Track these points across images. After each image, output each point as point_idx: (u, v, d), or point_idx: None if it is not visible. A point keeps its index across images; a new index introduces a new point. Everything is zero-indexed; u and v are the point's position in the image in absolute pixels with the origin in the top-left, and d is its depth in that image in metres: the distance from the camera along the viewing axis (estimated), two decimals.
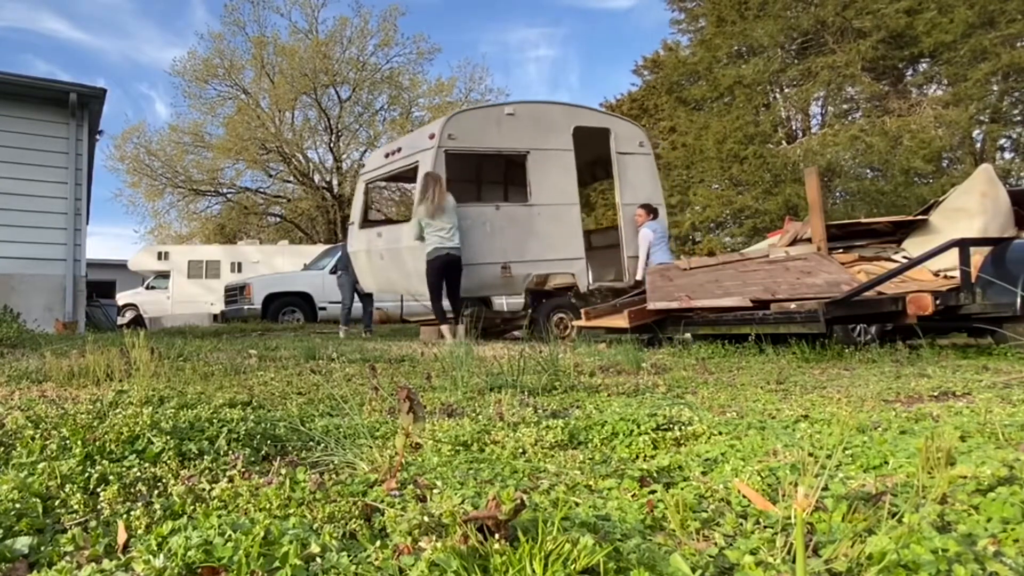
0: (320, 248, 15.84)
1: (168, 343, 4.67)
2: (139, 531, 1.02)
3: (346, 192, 23.12)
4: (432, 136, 7.20)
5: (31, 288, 7.85)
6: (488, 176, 9.85)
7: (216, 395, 2.26)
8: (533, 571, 0.77)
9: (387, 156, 8.06)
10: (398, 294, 8.19)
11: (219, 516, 1.03)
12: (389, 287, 7.98)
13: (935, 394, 2.45)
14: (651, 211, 7.79)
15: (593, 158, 8.69)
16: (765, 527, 1.01)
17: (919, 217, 5.73)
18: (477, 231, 7.23)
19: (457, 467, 1.42)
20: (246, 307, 12.05)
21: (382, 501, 1.10)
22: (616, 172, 8.32)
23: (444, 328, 6.71)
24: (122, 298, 18.61)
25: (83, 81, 8.66)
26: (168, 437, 1.44)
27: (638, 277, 7.49)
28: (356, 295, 9.18)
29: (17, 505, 1.07)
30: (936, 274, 4.88)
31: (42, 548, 0.96)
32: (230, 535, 0.89)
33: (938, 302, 4.05)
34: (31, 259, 7.96)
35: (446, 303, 6.86)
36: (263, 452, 1.53)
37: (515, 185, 8.96)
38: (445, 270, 6.63)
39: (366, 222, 8.27)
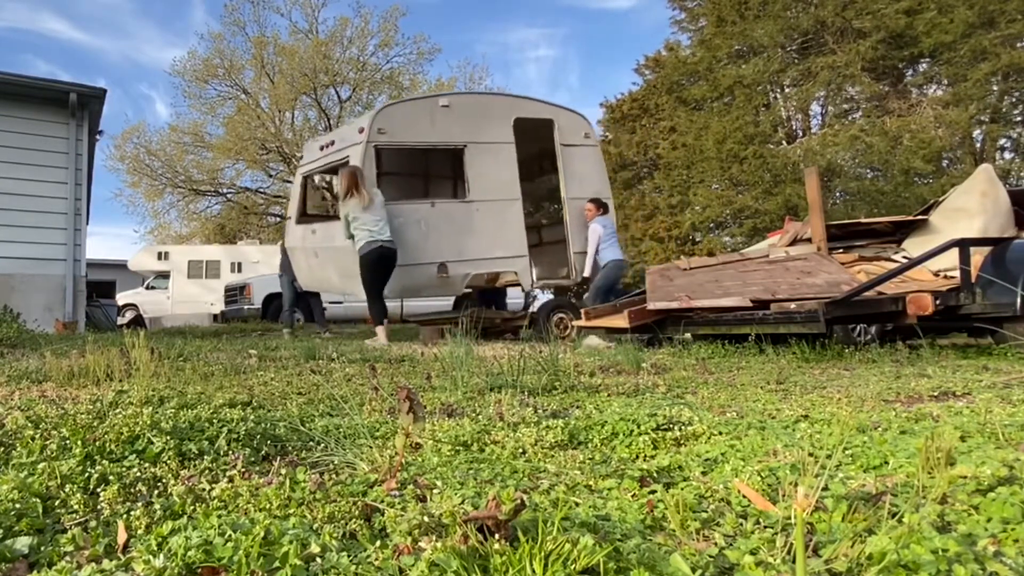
0: None
1: (168, 343, 4.67)
2: (139, 531, 1.02)
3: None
4: (361, 130, 6.93)
5: (31, 288, 7.85)
6: (424, 171, 9.45)
7: (216, 395, 2.26)
8: (533, 571, 0.77)
9: (322, 149, 7.78)
10: (334, 293, 7.91)
11: (219, 516, 1.03)
12: (326, 286, 7.70)
13: (935, 394, 2.45)
14: (600, 206, 7.50)
15: (539, 151, 8.36)
16: (765, 527, 1.01)
17: (919, 217, 5.73)
18: (411, 230, 6.92)
19: (457, 467, 1.42)
20: (246, 307, 12.07)
21: (382, 501, 1.10)
22: (561, 165, 7.98)
23: (380, 329, 6.36)
24: (122, 298, 18.62)
25: (83, 81, 8.68)
26: (168, 437, 1.44)
27: (586, 273, 7.33)
28: (297, 294, 8.77)
29: (17, 505, 1.07)
30: (936, 274, 4.88)
31: (42, 548, 0.96)
32: (230, 535, 0.89)
33: (938, 302, 4.06)
34: (31, 259, 7.96)
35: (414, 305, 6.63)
36: (263, 452, 1.53)
37: (453, 181, 8.64)
38: (381, 264, 6.31)
39: (303, 217, 7.89)
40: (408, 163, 9.13)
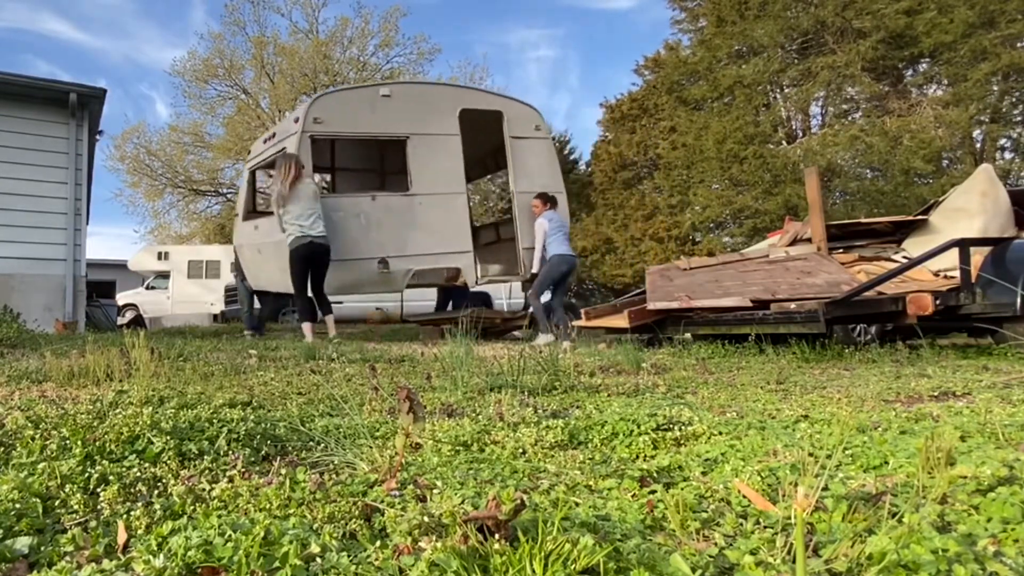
0: None
1: (168, 343, 4.67)
2: (139, 531, 1.02)
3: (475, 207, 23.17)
4: (297, 120, 6.68)
5: (31, 288, 7.85)
6: (365, 163, 9.23)
7: (216, 395, 2.26)
8: (533, 571, 0.77)
9: (265, 142, 7.60)
10: (280, 290, 7.57)
11: (219, 516, 1.03)
12: (271, 284, 7.33)
13: (935, 394, 2.45)
14: (548, 200, 7.13)
15: (489, 144, 8.11)
16: (765, 527, 1.01)
17: (919, 217, 5.73)
18: (350, 224, 6.70)
19: (457, 467, 1.42)
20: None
21: (382, 501, 1.10)
22: (510, 157, 7.70)
23: (306, 327, 6.19)
24: (122, 298, 18.62)
25: (84, 81, 8.67)
26: (168, 437, 1.44)
27: (534, 270, 7.02)
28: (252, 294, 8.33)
29: (17, 505, 1.07)
30: (936, 274, 4.88)
31: (42, 548, 0.96)
32: (230, 535, 0.89)
33: (938, 302, 4.06)
34: (31, 259, 7.96)
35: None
36: (263, 452, 1.53)
37: (395, 173, 8.33)
38: (310, 260, 6.08)
39: (249, 214, 7.66)
40: (349, 155, 8.94)
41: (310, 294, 6.28)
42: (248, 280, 7.74)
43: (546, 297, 6.82)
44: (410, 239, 7.02)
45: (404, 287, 7.18)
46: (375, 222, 6.88)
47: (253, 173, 7.88)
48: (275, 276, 6.85)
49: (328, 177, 9.72)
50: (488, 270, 8.99)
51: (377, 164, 9.26)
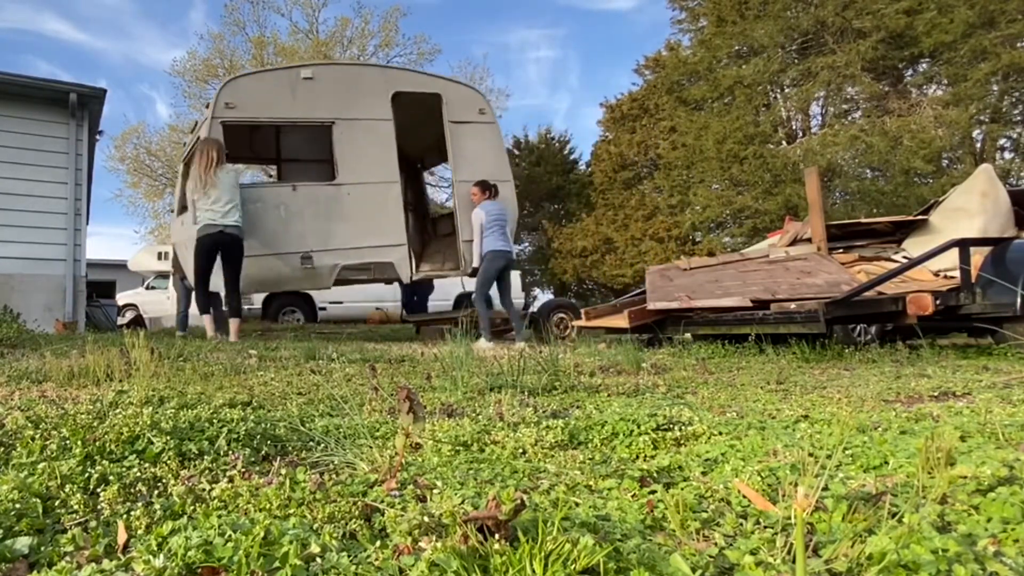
0: None
1: (168, 343, 4.67)
2: (139, 531, 1.02)
3: (434, 198, 23.09)
4: (208, 105, 6.32)
5: (31, 288, 7.85)
6: (288, 152, 8.74)
7: (216, 395, 2.26)
8: (533, 571, 0.77)
9: (191, 132, 7.30)
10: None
11: (219, 516, 1.03)
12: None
13: (935, 394, 2.45)
14: (487, 189, 6.68)
15: (437, 130, 7.51)
16: (765, 527, 1.01)
17: (919, 217, 5.73)
18: (270, 216, 6.31)
19: (457, 467, 1.42)
20: (246, 307, 12.06)
21: (382, 501, 1.10)
22: (450, 144, 7.21)
23: (206, 319, 5.88)
24: (122, 298, 18.60)
25: (84, 82, 8.64)
26: (168, 437, 1.44)
27: (475, 264, 6.68)
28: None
29: (17, 505, 1.07)
30: (936, 274, 4.88)
31: (42, 548, 0.96)
32: (230, 535, 0.89)
33: (938, 302, 4.06)
34: (31, 259, 7.96)
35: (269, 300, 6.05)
36: (263, 452, 1.53)
37: (320, 162, 7.84)
38: (216, 251, 5.76)
39: (183, 208, 7.16)
40: (268, 142, 8.54)
41: (218, 288, 5.95)
42: (187, 278, 7.29)
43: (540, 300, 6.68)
44: (337, 232, 6.58)
45: (331, 284, 6.84)
46: (297, 214, 6.47)
47: (186, 165, 7.29)
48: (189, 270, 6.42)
49: (275, 168, 9.25)
50: (424, 265, 8.64)
51: (306, 150, 8.77)
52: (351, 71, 7.51)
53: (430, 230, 9.27)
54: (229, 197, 5.69)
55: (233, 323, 5.89)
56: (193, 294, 6.55)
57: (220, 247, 5.73)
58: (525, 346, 5.47)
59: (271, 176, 9.05)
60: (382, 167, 6.85)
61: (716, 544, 0.95)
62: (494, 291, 6.55)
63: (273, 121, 6.84)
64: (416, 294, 8.64)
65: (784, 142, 20.14)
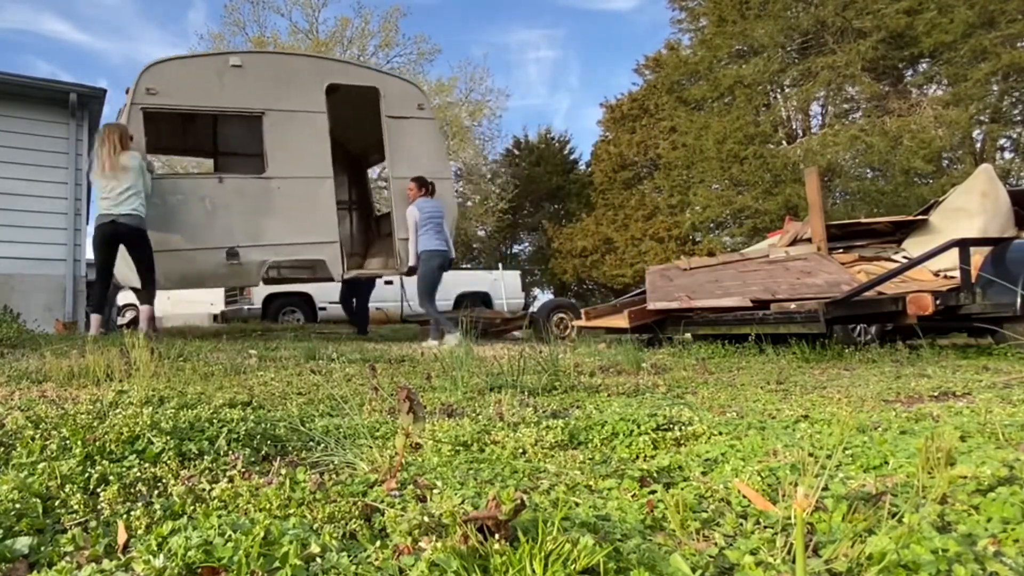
0: None
1: (168, 343, 4.67)
2: (139, 531, 1.02)
3: (380, 195, 23.10)
4: (128, 91, 5.99)
5: (31, 288, 7.84)
6: (225, 145, 8.40)
7: (216, 395, 2.26)
8: (533, 571, 0.77)
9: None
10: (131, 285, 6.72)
11: (219, 516, 1.03)
12: (124, 278, 6.58)
13: (935, 394, 2.45)
14: (424, 186, 6.56)
15: (375, 127, 7.28)
16: (765, 527, 1.01)
17: (919, 217, 5.73)
18: (193, 209, 6.05)
19: (457, 467, 1.42)
20: (246, 307, 12.06)
21: (382, 501, 1.10)
22: (387, 140, 7.01)
23: (94, 318, 5.55)
24: (122, 298, 18.60)
25: (85, 82, 8.62)
26: (168, 437, 1.44)
27: (411, 262, 6.56)
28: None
29: (17, 505, 1.07)
30: (936, 274, 4.88)
31: (42, 548, 0.96)
32: (230, 535, 0.89)
33: (938, 302, 4.06)
34: (31, 259, 7.95)
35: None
36: (263, 452, 1.53)
37: (250, 155, 7.45)
38: (114, 243, 5.45)
39: None
40: (205, 134, 8.27)
41: (131, 283, 5.74)
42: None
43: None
44: (265, 227, 6.34)
45: (259, 281, 6.67)
46: (223, 207, 6.19)
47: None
48: (122, 268, 6.14)
49: (212, 161, 8.96)
50: (370, 264, 8.48)
51: (235, 142, 8.43)
52: (283, 60, 7.24)
53: (374, 229, 9.05)
54: (128, 185, 5.35)
55: (144, 311, 5.66)
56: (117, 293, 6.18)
57: (116, 238, 5.43)
58: (434, 344, 5.47)
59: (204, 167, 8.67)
60: (314, 161, 6.63)
61: (716, 544, 0.95)
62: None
63: (198, 110, 6.56)
64: (354, 293, 8.40)
65: (784, 142, 20.15)
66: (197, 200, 6.13)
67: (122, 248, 5.77)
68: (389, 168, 7.13)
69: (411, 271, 6.71)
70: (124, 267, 6.22)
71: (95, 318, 5.56)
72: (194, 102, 6.33)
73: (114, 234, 5.39)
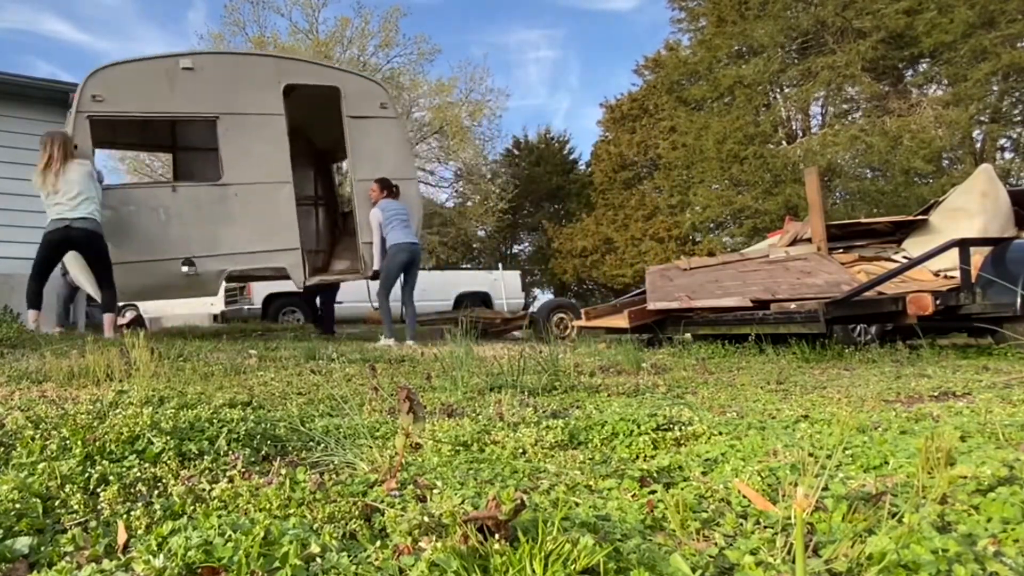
0: None
1: (168, 343, 4.67)
2: (139, 531, 1.02)
3: (346, 191, 23.08)
4: (72, 97, 5.78)
5: None
6: (184, 141, 8.10)
7: (216, 395, 2.26)
8: (533, 571, 0.77)
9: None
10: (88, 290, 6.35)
11: (219, 516, 1.03)
12: (81, 286, 6.39)
13: (935, 394, 2.45)
14: (387, 187, 6.38)
15: (337, 122, 7.01)
16: (765, 527, 1.01)
17: (919, 217, 5.73)
18: (147, 219, 5.87)
19: (457, 467, 1.42)
20: (246, 307, 12.06)
21: (382, 501, 1.10)
22: (348, 141, 6.78)
23: (30, 314, 5.40)
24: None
25: None
26: (168, 437, 1.44)
27: (375, 266, 6.41)
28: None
29: (17, 505, 1.07)
30: (936, 274, 4.88)
31: (42, 548, 0.96)
32: (230, 535, 0.89)
33: (938, 302, 4.06)
34: (31, 259, 7.95)
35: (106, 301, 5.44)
36: (263, 452, 1.53)
37: (210, 149, 7.10)
38: (63, 249, 5.33)
39: None
40: (148, 137, 8.04)
41: (95, 285, 5.57)
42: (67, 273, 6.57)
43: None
44: (222, 236, 6.14)
45: (217, 291, 6.53)
46: (178, 216, 5.99)
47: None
48: (78, 275, 5.97)
49: (170, 166, 8.67)
50: (336, 263, 8.29)
51: (190, 147, 8.29)
52: (237, 61, 6.97)
53: (341, 225, 8.84)
54: (79, 190, 5.18)
55: (106, 318, 5.51)
56: (75, 292, 6.07)
57: (69, 244, 5.28)
58: (412, 344, 5.42)
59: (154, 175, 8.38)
60: (273, 166, 6.40)
61: (716, 544, 0.95)
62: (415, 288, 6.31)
63: (148, 116, 6.37)
64: (321, 300, 8.25)
65: (784, 142, 20.15)
66: (150, 210, 5.95)
67: (77, 255, 5.62)
68: (351, 170, 6.93)
69: (375, 275, 6.59)
70: (80, 274, 6.07)
71: (32, 314, 5.38)
72: (143, 108, 6.14)
73: (66, 239, 5.24)
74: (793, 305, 4.42)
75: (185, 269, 5.94)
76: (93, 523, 1.07)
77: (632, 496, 1.19)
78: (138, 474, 1.27)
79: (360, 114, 6.85)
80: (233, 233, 6.19)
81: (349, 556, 0.88)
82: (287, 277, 6.58)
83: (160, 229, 5.93)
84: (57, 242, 5.26)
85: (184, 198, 6.14)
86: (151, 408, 1.68)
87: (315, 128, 7.96)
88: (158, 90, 6.00)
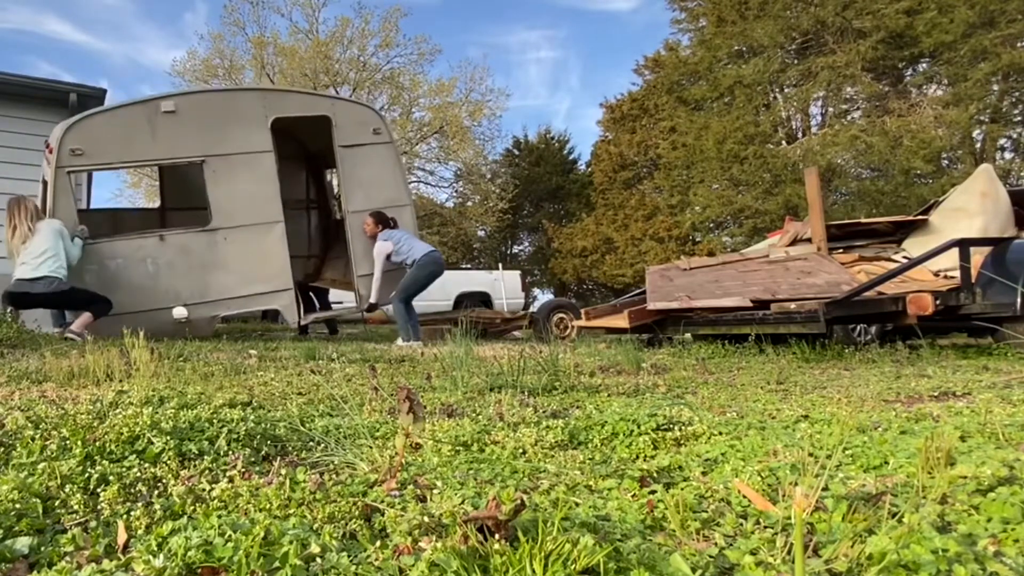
0: None
1: (168, 343, 4.67)
2: (139, 531, 1.02)
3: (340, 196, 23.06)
4: (51, 150, 5.54)
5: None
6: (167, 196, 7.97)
7: (216, 395, 2.26)
8: (533, 571, 0.77)
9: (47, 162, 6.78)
10: None
11: (219, 516, 1.03)
12: None
13: (935, 394, 2.45)
14: (382, 221, 6.39)
15: (327, 132, 6.84)
16: (765, 527, 1.01)
17: (919, 217, 5.73)
18: (135, 271, 5.77)
19: (457, 467, 1.42)
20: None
21: (382, 501, 1.10)
22: (340, 170, 6.67)
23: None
24: None
25: (87, 83, 8.59)
26: (168, 437, 1.44)
27: (372, 299, 6.43)
28: None
29: (17, 505, 1.07)
30: (936, 274, 4.88)
31: (42, 548, 0.96)
32: (230, 535, 0.89)
33: (938, 302, 4.06)
34: None
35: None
36: (263, 452, 1.53)
37: (192, 207, 7.04)
38: (24, 303, 5.32)
39: None
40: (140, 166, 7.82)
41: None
42: None
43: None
44: (213, 282, 6.04)
45: (211, 332, 6.39)
46: (166, 266, 5.89)
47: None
48: None
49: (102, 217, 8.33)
50: (327, 269, 8.22)
51: (178, 192, 8.09)
52: (221, 98, 6.79)
53: (334, 231, 8.67)
54: (44, 248, 5.14)
55: (83, 316, 5.40)
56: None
57: (33, 301, 5.29)
58: (418, 345, 5.44)
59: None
60: (263, 206, 6.24)
61: (716, 544, 0.95)
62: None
63: (130, 165, 6.31)
64: (320, 302, 8.18)
65: (784, 142, 20.15)
66: (138, 262, 5.84)
67: None
68: (344, 200, 6.78)
69: (371, 308, 6.54)
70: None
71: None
72: (125, 157, 6.03)
73: (26, 296, 5.22)
74: (793, 305, 4.42)
75: (177, 316, 5.87)
76: (93, 523, 1.07)
77: (632, 496, 1.19)
78: (138, 474, 1.27)
79: (352, 142, 6.72)
80: (224, 278, 6.09)
81: (349, 556, 0.88)
82: (281, 318, 6.46)
83: (149, 280, 5.85)
84: (18, 296, 5.24)
85: (173, 247, 6.00)
86: (151, 408, 1.67)
87: (306, 131, 7.82)
88: (138, 137, 5.85)
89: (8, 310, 5.36)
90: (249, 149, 6.24)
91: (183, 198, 7.57)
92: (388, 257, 6.26)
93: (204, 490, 1.16)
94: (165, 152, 6.05)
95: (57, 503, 1.14)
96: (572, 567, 0.78)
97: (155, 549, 0.87)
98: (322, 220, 9.13)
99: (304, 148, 8.64)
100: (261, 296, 6.27)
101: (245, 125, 6.25)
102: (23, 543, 0.95)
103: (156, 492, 1.23)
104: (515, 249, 31.75)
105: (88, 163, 5.73)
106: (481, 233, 28.42)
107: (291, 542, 0.88)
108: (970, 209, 5.27)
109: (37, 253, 5.15)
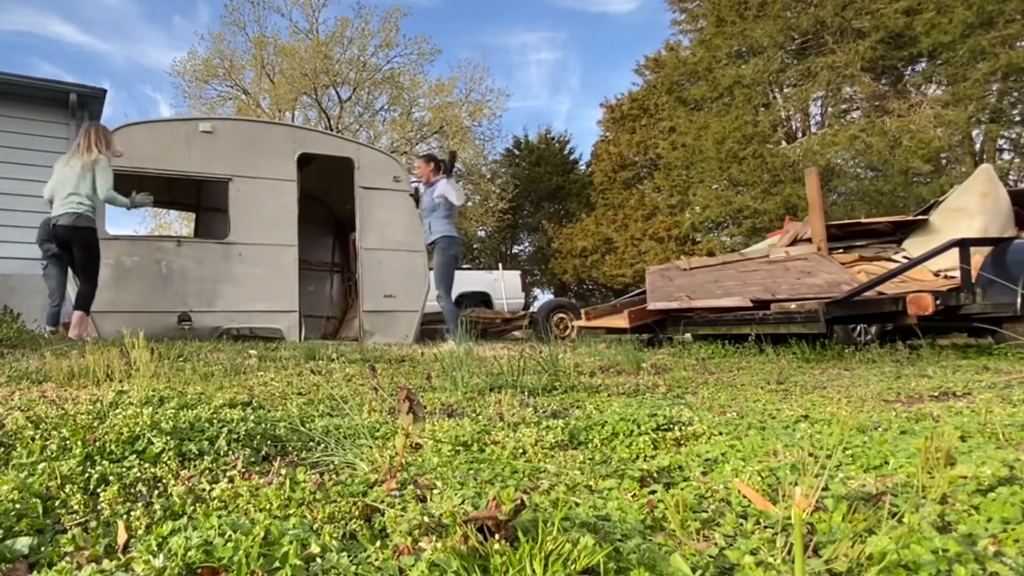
0: None
1: (168, 343, 4.67)
2: (139, 531, 1.02)
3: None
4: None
5: (31, 288, 7.84)
6: (208, 201, 8.41)
7: (216, 395, 2.26)
8: (533, 571, 0.77)
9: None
10: None
11: (219, 516, 1.03)
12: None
13: (935, 394, 2.45)
14: (436, 163, 6.37)
15: (352, 197, 7.37)
16: (765, 527, 1.01)
17: (919, 217, 5.74)
18: (148, 272, 6.06)
19: (457, 467, 1.42)
20: None
21: (382, 501, 1.10)
22: (358, 210, 7.14)
23: (78, 315, 5.25)
24: None
25: (88, 83, 8.62)
26: (168, 437, 1.44)
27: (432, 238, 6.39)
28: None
29: (17, 505, 1.07)
30: (936, 274, 4.88)
31: (42, 548, 0.96)
32: (230, 535, 0.89)
33: (938, 302, 4.06)
34: (31, 259, 7.95)
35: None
36: (263, 452, 1.53)
37: (213, 221, 7.58)
38: (57, 246, 5.28)
39: None
40: (188, 190, 8.35)
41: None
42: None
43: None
44: (221, 293, 6.33)
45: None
46: (179, 271, 6.19)
47: None
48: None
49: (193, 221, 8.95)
50: (345, 330, 8.47)
51: (200, 204, 8.67)
52: (256, 128, 7.33)
53: (352, 294, 8.98)
54: (71, 190, 5.14)
55: (75, 315, 5.33)
56: (70, 288, 5.98)
57: (58, 243, 5.26)
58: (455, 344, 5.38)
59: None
60: (280, 229, 6.66)
61: (716, 544, 0.95)
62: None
63: (164, 174, 6.54)
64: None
65: (783, 142, 20.15)
66: (152, 263, 6.13)
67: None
68: (359, 237, 7.19)
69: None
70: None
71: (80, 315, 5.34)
72: (161, 166, 6.35)
73: (54, 238, 5.24)
74: (793, 305, 4.42)
75: (181, 324, 6.06)
76: (93, 523, 1.07)
77: (632, 496, 1.19)
78: (138, 474, 1.27)
79: (372, 185, 7.22)
80: (231, 291, 6.39)
81: (349, 556, 0.88)
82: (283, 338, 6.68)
83: (160, 282, 6.12)
84: (45, 240, 5.37)
85: (188, 253, 6.35)
86: (151, 408, 1.67)
87: (334, 198, 8.27)
88: (175, 150, 6.34)
89: (44, 265, 5.56)
90: (275, 176, 6.74)
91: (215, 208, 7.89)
92: (448, 201, 5.97)
93: (204, 490, 1.16)
94: (197, 167, 6.51)
95: (57, 503, 1.14)
96: (572, 567, 0.78)
97: (155, 549, 0.87)
98: (344, 283, 9.47)
99: (332, 214, 9.03)
100: (266, 314, 6.55)
101: (273, 155, 6.76)
102: (23, 543, 0.95)
103: (156, 492, 1.23)
104: (515, 249, 31.76)
105: (126, 165, 6.05)
106: (481, 233, 28.43)
107: (291, 542, 0.88)
108: (970, 209, 5.27)
109: (65, 193, 5.17)
